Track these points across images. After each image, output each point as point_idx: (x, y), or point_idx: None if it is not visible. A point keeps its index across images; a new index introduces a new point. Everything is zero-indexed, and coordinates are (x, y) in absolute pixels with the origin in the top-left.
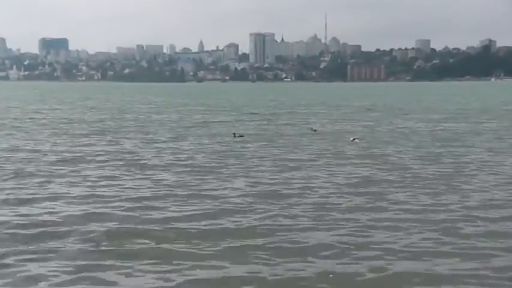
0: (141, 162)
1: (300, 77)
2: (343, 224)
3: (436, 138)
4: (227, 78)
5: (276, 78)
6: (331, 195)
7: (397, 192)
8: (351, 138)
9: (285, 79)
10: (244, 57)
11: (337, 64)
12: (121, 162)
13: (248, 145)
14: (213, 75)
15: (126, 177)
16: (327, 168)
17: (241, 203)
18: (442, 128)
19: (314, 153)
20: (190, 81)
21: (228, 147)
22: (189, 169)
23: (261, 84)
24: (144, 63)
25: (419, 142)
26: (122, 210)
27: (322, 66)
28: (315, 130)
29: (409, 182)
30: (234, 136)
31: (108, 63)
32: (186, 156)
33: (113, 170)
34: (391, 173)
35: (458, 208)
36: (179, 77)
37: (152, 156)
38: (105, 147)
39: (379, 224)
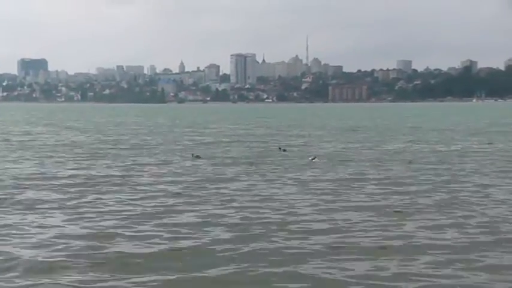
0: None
1: (281, 98)
2: None
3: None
4: (208, 99)
5: (257, 98)
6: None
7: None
8: (310, 158)
9: (266, 100)
10: (225, 77)
11: (318, 85)
12: None
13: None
14: (194, 96)
15: None
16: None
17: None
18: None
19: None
20: (171, 102)
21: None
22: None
23: (242, 105)
24: (124, 84)
25: (377, 161)
26: None
27: (303, 87)
28: (284, 150)
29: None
30: (193, 155)
31: (88, 84)
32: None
33: None
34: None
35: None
36: (160, 97)
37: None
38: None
39: None
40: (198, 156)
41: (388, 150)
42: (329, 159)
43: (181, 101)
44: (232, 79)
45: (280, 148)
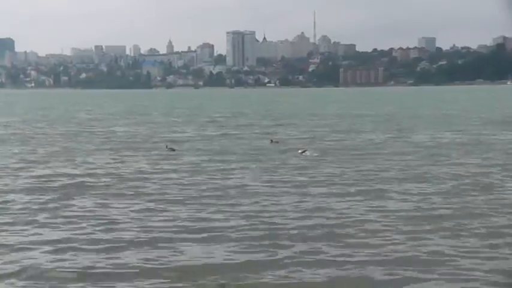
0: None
1: (285, 82)
2: None
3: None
4: (201, 83)
5: (258, 83)
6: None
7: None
8: (300, 151)
9: (268, 84)
10: (221, 59)
11: (328, 67)
12: None
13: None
14: (184, 81)
15: None
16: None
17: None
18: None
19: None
20: (158, 88)
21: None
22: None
23: (240, 91)
24: (103, 67)
25: (368, 156)
26: None
27: (310, 69)
28: (276, 142)
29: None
30: (167, 147)
31: (62, 67)
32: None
33: None
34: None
35: None
36: (145, 82)
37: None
38: None
39: None
40: (172, 149)
41: (412, 142)
42: (323, 152)
43: (170, 86)
44: (229, 61)
45: (272, 141)
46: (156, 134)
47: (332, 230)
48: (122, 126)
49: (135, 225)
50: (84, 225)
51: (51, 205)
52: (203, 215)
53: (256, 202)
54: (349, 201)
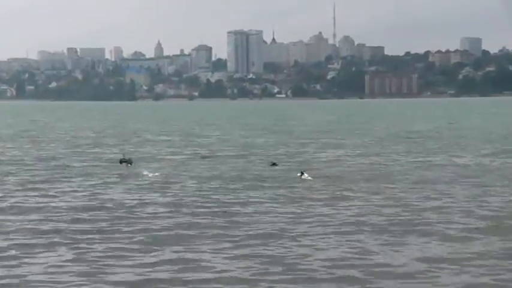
0: None
1: (298, 92)
2: None
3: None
4: (196, 94)
5: (265, 93)
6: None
7: None
8: (298, 174)
9: (278, 95)
10: (220, 64)
11: (350, 73)
12: None
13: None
14: (176, 91)
15: None
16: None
17: None
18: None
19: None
20: (144, 99)
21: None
22: None
23: (244, 102)
24: (77, 74)
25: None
26: None
27: (329, 76)
28: (275, 164)
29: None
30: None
31: (27, 74)
32: None
33: None
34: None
35: None
36: (128, 92)
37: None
38: None
39: None
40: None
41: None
42: (324, 175)
43: (159, 97)
44: (230, 66)
45: (273, 164)
46: None
47: None
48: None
49: None
50: None
51: None
52: None
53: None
54: None
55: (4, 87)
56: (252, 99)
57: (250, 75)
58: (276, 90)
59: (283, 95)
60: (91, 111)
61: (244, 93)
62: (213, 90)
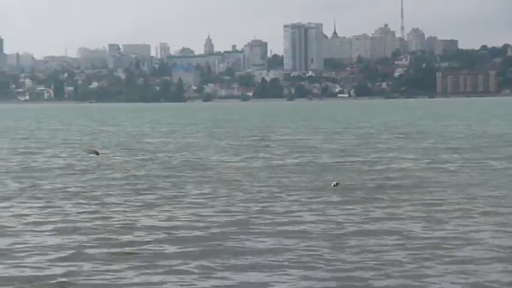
0: None
1: (362, 91)
2: None
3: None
4: (250, 94)
5: (326, 93)
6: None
7: None
8: (333, 183)
9: (340, 94)
10: (276, 61)
11: (420, 70)
12: None
13: None
14: (227, 91)
15: None
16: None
17: None
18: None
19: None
20: (193, 100)
21: None
22: None
23: (303, 103)
24: (120, 73)
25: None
26: None
27: (397, 73)
28: (336, 184)
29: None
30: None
31: (66, 74)
32: None
33: None
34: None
35: None
36: (175, 93)
37: None
38: None
39: None
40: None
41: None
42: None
43: (209, 97)
44: (287, 64)
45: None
46: None
47: None
48: None
49: None
50: None
51: None
52: None
53: None
54: None
55: (41, 87)
56: (311, 99)
57: (309, 73)
58: (337, 89)
59: (346, 95)
60: (162, 114)
61: (302, 93)
62: (268, 90)
